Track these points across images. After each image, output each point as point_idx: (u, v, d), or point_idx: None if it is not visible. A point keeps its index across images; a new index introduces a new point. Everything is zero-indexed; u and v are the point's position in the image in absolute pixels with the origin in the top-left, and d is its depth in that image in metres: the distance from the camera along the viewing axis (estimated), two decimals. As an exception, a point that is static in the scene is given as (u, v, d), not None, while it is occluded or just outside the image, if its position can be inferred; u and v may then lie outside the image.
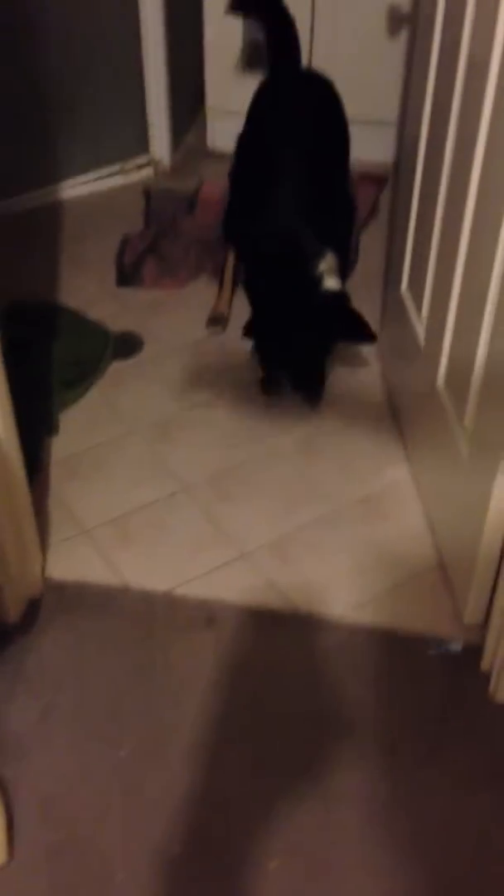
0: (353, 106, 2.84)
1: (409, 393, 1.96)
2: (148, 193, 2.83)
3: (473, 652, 1.55)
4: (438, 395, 1.68)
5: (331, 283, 1.87)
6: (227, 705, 1.50)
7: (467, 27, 1.43)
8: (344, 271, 1.97)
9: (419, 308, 1.81)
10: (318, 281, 1.85)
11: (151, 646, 1.59)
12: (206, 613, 1.63)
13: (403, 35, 2.69)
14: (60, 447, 1.98)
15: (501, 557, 1.46)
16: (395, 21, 2.67)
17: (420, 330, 1.80)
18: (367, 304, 2.33)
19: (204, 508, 1.84)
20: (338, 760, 1.43)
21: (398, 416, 2.03)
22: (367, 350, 2.21)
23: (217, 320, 2.29)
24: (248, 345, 2.06)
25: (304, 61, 2.82)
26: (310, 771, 1.41)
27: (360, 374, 2.18)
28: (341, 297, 1.89)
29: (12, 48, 2.48)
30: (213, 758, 1.43)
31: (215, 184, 2.85)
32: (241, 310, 2.19)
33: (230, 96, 2.91)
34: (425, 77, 1.65)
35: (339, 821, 1.35)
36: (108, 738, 1.45)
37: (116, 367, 2.20)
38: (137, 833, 1.34)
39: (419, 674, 1.55)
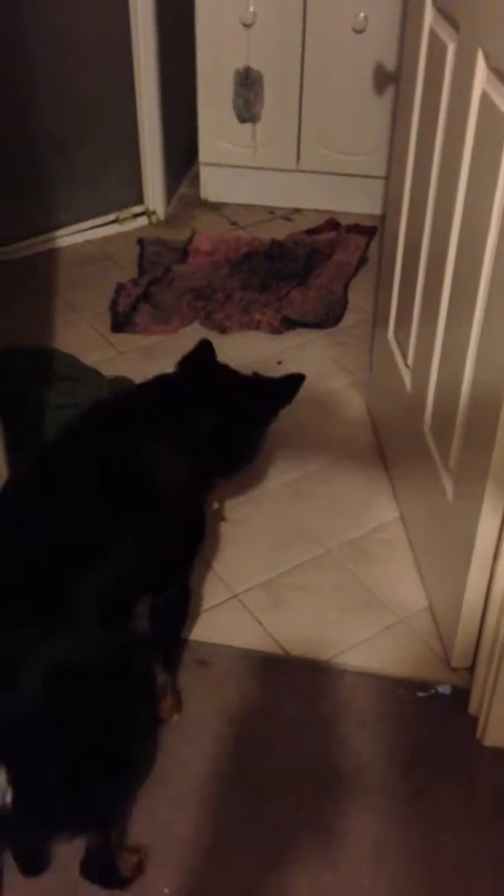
0: (344, 161, 2.95)
1: (396, 435, 1.99)
2: (142, 242, 2.89)
3: (461, 695, 1.57)
4: (425, 438, 1.71)
5: None
6: (217, 748, 1.51)
7: (446, 88, 1.50)
8: None
9: (405, 355, 1.85)
10: None
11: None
12: (197, 655, 1.64)
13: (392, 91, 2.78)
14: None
15: (486, 601, 1.49)
16: (382, 79, 2.77)
17: (406, 375, 1.84)
18: (355, 348, 2.39)
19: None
20: (332, 804, 1.43)
21: (386, 458, 2.06)
22: (357, 393, 2.26)
23: None
24: None
25: (294, 116, 2.94)
26: (303, 814, 1.42)
27: (349, 415, 2.22)
28: None
29: (10, 101, 2.56)
30: (204, 802, 1.43)
31: (207, 234, 2.93)
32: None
33: (222, 151, 3.01)
34: (408, 135, 1.72)
35: (332, 864, 1.36)
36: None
37: (110, 412, 2.22)
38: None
39: (408, 717, 1.56)
